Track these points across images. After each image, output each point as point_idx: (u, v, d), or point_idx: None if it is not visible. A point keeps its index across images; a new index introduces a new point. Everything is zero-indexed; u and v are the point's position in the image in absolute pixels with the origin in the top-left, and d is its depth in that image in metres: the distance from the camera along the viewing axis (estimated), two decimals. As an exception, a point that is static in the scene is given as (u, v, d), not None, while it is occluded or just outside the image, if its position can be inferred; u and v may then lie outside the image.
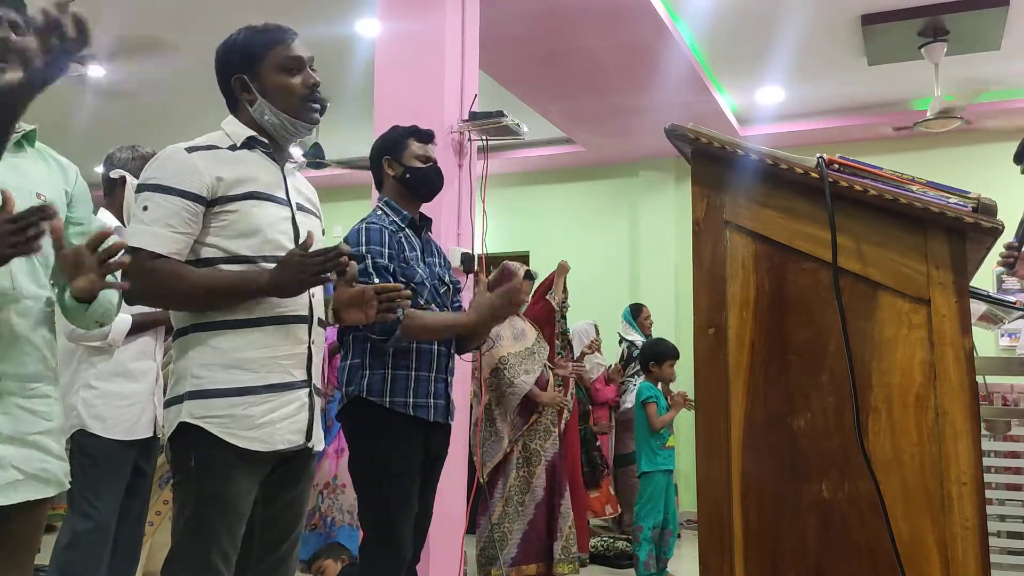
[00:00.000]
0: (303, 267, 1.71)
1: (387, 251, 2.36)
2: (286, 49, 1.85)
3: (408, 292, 2.06)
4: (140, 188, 1.78)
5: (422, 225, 2.55)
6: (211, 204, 1.76)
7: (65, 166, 1.77)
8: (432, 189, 2.55)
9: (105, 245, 1.54)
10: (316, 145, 6.25)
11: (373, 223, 2.40)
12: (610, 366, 5.55)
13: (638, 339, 5.55)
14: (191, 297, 1.75)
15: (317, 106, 1.88)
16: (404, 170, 2.50)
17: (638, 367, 5.00)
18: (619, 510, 5.11)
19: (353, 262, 1.80)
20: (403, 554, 2.29)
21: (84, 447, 2.60)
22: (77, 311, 1.66)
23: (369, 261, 2.31)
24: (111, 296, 1.72)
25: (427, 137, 2.55)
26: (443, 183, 2.58)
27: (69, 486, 1.67)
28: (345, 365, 2.40)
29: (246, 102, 1.86)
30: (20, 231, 1.39)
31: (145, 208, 1.73)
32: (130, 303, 1.79)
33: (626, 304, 6.01)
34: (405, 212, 2.49)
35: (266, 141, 1.88)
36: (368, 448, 2.33)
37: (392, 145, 2.54)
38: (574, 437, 4.66)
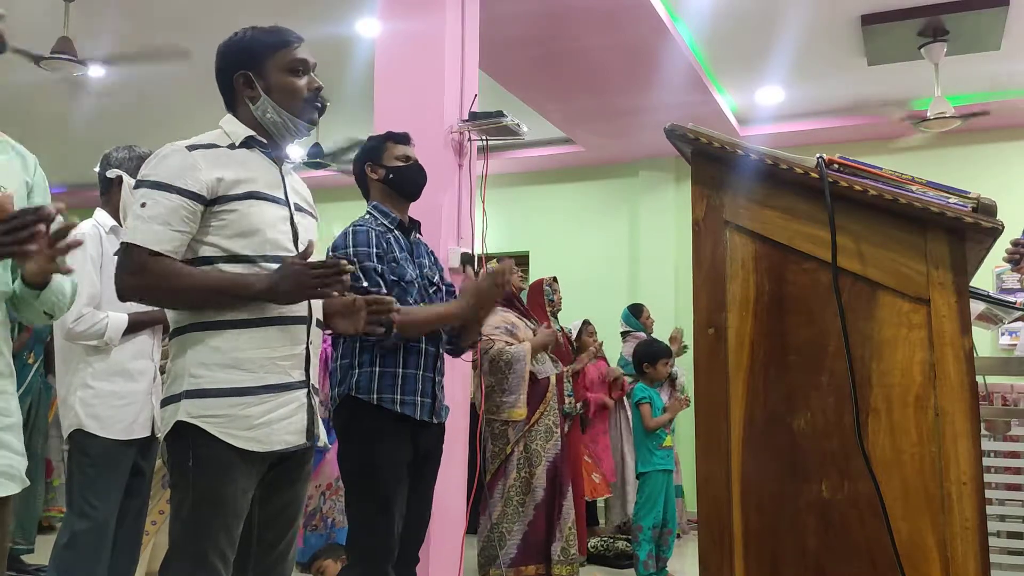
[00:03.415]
0: (304, 279, 1.71)
1: (375, 251, 2.38)
2: (292, 51, 1.87)
3: (398, 305, 2.05)
4: (139, 184, 1.76)
5: (411, 227, 2.57)
6: (211, 203, 1.75)
7: (24, 155, 1.73)
8: (416, 186, 2.57)
9: (55, 228, 1.40)
10: (316, 145, 6.26)
11: (360, 226, 2.43)
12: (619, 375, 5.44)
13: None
14: (185, 297, 1.74)
15: (319, 105, 1.90)
16: (387, 171, 2.53)
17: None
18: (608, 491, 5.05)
19: (347, 276, 1.77)
20: (390, 549, 2.30)
21: (82, 447, 2.60)
22: (27, 299, 1.62)
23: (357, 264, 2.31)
24: (63, 287, 1.69)
25: (403, 139, 2.59)
26: (426, 180, 2.61)
27: (29, 483, 1.62)
28: (336, 366, 2.42)
29: (248, 99, 1.85)
30: (12, 231, 1.33)
31: (143, 205, 1.72)
32: (123, 299, 1.77)
33: (625, 304, 5.99)
34: (393, 215, 2.52)
35: (265, 141, 1.88)
36: (356, 444, 2.35)
37: (371, 152, 2.58)
38: (577, 438, 4.66)
